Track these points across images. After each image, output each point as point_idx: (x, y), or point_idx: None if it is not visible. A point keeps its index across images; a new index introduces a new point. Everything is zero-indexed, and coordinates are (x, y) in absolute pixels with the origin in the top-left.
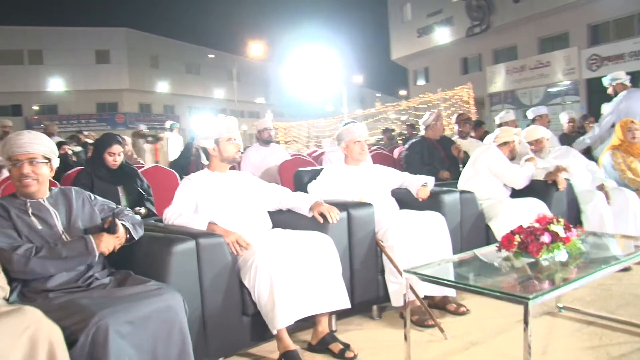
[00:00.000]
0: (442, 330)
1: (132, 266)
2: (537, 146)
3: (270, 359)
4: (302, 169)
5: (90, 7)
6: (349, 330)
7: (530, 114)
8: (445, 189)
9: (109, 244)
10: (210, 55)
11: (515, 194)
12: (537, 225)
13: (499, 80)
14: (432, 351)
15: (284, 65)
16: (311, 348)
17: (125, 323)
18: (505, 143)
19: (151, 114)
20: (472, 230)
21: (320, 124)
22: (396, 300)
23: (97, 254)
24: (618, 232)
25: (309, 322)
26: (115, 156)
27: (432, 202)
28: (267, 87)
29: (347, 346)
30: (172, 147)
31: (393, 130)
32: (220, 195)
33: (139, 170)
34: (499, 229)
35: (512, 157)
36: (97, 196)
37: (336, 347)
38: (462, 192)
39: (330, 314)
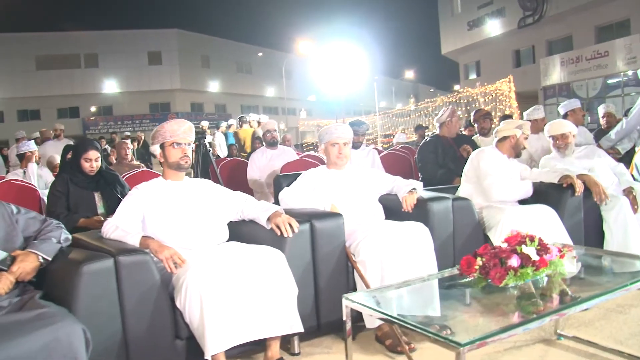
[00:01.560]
0: (410, 359)
1: (45, 285)
2: (561, 141)
3: None
4: (282, 174)
5: (142, 10)
6: (314, 354)
7: (562, 110)
8: (435, 195)
9: (4, 285)
10: (259, 54)
11: (524, 200)
12: (504, 245)
13: (553, 73)
14: None
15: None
16: None
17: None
18: (504, 138)
19: (203, 113)
20: (467, 242)
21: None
22: (369, 322)
23: None
24: None
25: (261, 346)
26: (92, 162)
27: (419, 211)
28: (314, 84)
29: None
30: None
31: (427, 127)
32: (170, 205)
33: None
34: (499, 240)
35: (516, 154)
36: (23, 209)
37: None
38: (455, 199)
39: (283, 337)
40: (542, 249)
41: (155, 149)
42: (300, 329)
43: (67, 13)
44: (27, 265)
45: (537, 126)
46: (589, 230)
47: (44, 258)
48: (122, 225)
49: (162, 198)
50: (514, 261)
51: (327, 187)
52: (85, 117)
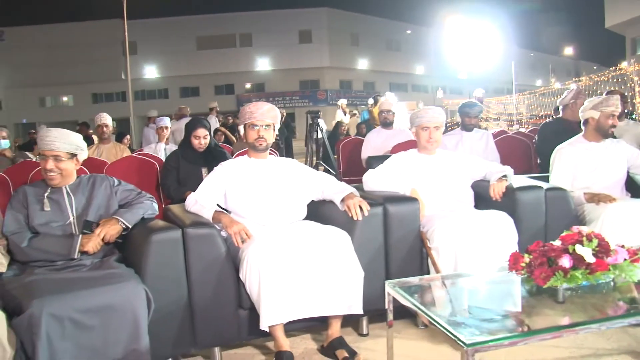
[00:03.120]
0: None
1: (125, 250)
2: None
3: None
4: (373, 155)
5: None
6: (382, 336)
7: None
8: (527, 184)
9: (95, 244)
10: (407, 31)
11: (635, 194)
12: (558, 243)
13: None
14: None
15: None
16: (322, 351)
17: (70, 310)
18: (586, 122)
19: (352, 91)
20: None
21: (507, 101)
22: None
23: (76, 254)
24: None
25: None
26: (201, 139)
27: (508, 201)
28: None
29: (352, 354)
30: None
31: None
32: (250, 182)
33: None
34: None
35: (605, 136)
36: (123, 183)
37: (341, 353)
38: (550, 188)
39: (352, 318)
40: (602, 250)
41: (241, 129)
42: (360, 311)
43: None
44: (110, 228)
45: None
46: None
47: (124, 224)
48: (200, 200)
49: (244, 175)
50: (565, 261)
51: (415, 171)
52: (240, 94)
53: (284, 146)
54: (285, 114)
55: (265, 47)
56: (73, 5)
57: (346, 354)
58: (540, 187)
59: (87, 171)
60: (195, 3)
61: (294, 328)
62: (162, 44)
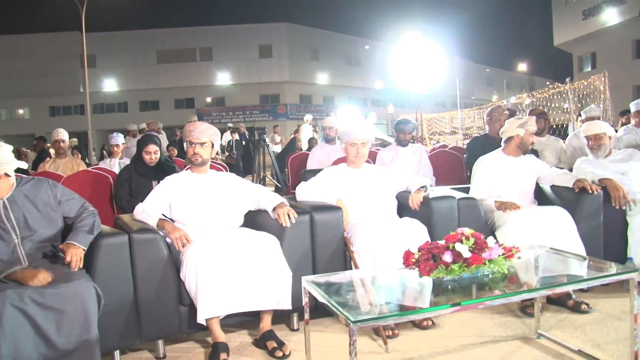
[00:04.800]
0: (385, 343)
1: None
2: (594, 142)
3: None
4: (308, 169)
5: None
6: (311, 331)
7: (633, 107)
8: (443, 194)
9: (39, 279)
10: (366, 47)
11: (541, 201)
12: (442, 242)
13: None
14: None
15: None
16: (255, 343)
17: (29, 304)
18: (509, 139)
19: (312, 105)
20: None
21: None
22: None
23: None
24: None
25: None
26: (151, 154)
27: (425, 209)
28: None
29: (280, 345)
30: (304, 137)
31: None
32: (191, 194)
33: None
34: (504, 240)
35: (524, 152)
36: (67, 193)
37: (271, 344)
38: (462, 198)
39: (277, 314)
40: (478, 247)
41: (184, 146)
42: (288, 307)
43: (184, 9)
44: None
45: None
46: (614, 235)
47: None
48: (147, 209)
49: (186, 188)
50: (447, 257)
51: (343, 183)
52: (200, 108)
53: (241, 162)
54: (244, 128)
55: (225, 62)
56: (31, 17)
57: (275, 345)
58: (453, 197)
59: None
60: (156, 17)
61: (230, 323)
62: (122, 57)
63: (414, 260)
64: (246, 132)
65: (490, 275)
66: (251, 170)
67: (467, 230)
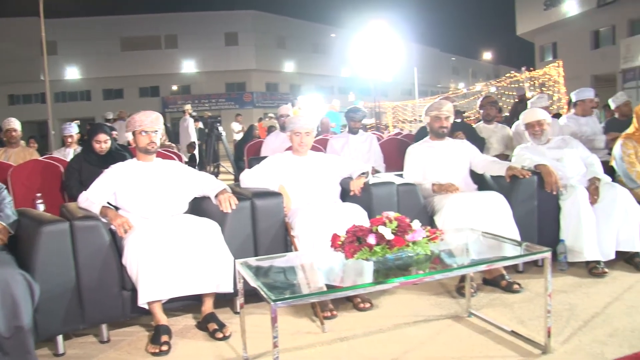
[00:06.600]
0: (322, 323)
1: (14, 239)
2: (538, 128)
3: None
4: (255, 157)
5: None
6: (254, 313)
7: (574, 97)
8: (383, 180)
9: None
10: (332, 35)
11: (481, 187)
12: (366, 225)
13: (636, 54)
14: (297, 341)
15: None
16: (198, 325)
17: None
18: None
19: (278, 93)
20: None
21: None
22: None
23: None
24: (602, 231)
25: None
26: (102, 143)
27: (365, 194)
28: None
29: (221, 327)
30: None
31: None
32: (136, 182)
33: None
34: (442, 224)
35: (438, 134)
36: None
37: (212, 326)
38: (401, 184)
39: (220, 297)
40: (401, 230)
41: (129, 136)
42: (229, 290)
43: None
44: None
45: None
46: (547, 218)
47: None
48: (91, 197)
49: (131, 176)
50: (371, 239)
51: (287, 170)
52: (165, 96)
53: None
54: (209, 116)
55: (191, 49)
56: None
57: (216, 326)
58: (393, 183)
59: None
60: (119, 3)
61: (174, 307)
62: (85, 44)
63: (339, 242)
64: (201, 123)
65: (414, 257)
66: (209, 159)
67: (392, 214)
